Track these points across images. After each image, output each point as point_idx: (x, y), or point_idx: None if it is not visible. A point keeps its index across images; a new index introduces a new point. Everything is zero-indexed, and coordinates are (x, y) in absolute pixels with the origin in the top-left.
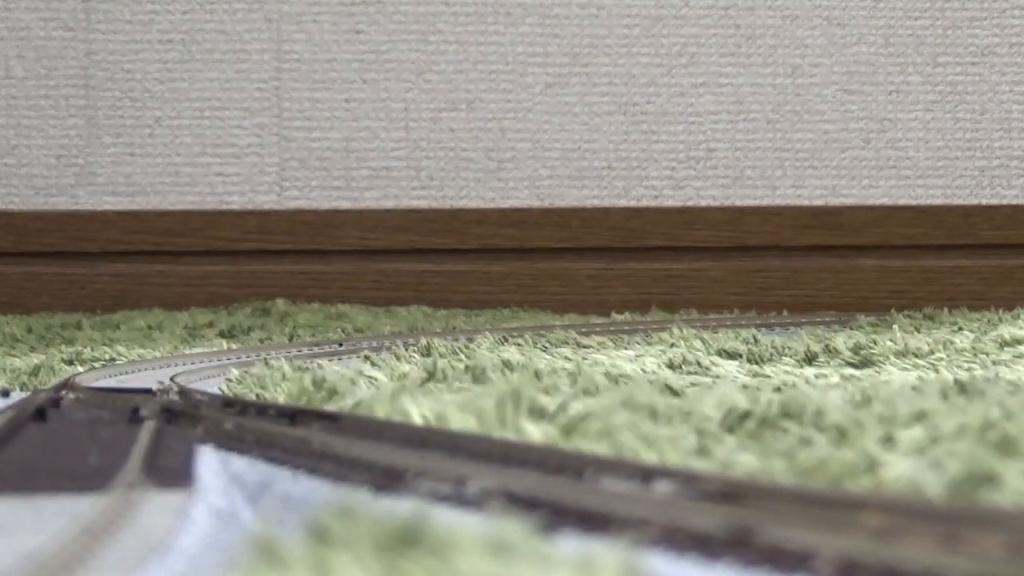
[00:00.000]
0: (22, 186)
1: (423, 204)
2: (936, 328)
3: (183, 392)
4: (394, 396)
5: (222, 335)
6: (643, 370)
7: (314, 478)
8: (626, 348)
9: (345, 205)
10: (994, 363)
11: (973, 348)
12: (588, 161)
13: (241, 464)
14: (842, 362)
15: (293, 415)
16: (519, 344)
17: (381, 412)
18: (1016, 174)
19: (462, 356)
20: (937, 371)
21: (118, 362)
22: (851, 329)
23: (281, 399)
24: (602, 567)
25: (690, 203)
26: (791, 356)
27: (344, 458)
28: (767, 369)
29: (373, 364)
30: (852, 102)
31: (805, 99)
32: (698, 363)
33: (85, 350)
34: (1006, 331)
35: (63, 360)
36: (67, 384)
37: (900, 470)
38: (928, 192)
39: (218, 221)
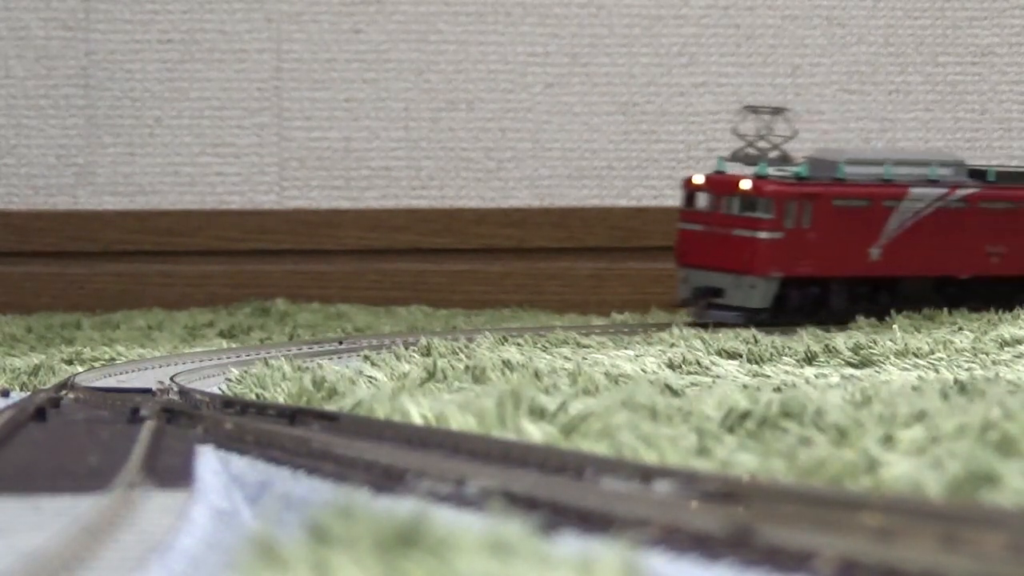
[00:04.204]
0: (22, 186)
1: (423, 204)
2: (936, 328)
3: (183, 392)
4: (394, 396)
5: (222, 335)
6: (643, 370)
7: (314, 478)
8: (626, 348)
9: (345, 205)
10: (994, 363)
11: (973, 348)
12: (588, 161)
13: (241, 464)
14: (842, 362)
15: (293, 415)
16: (519, 344)
17: (381, 412)
18: None
19: (462, 356)
20: (937, 371)
21: (118, 362)
22: (851, 329)
23: (281, 399)
24: (602, 567)
25: None
26: (791, 356)
27: (344, 458)
28: (767, 369)
29: (373, 364)
30: (852, 102)
31: (805, 99)
32: (698, 363)
33: (85, 350)
34: (1006, 331)
35: (63, 360)
36: (67, 384)
37: (900, 470)
38: None
39: (218, 221)
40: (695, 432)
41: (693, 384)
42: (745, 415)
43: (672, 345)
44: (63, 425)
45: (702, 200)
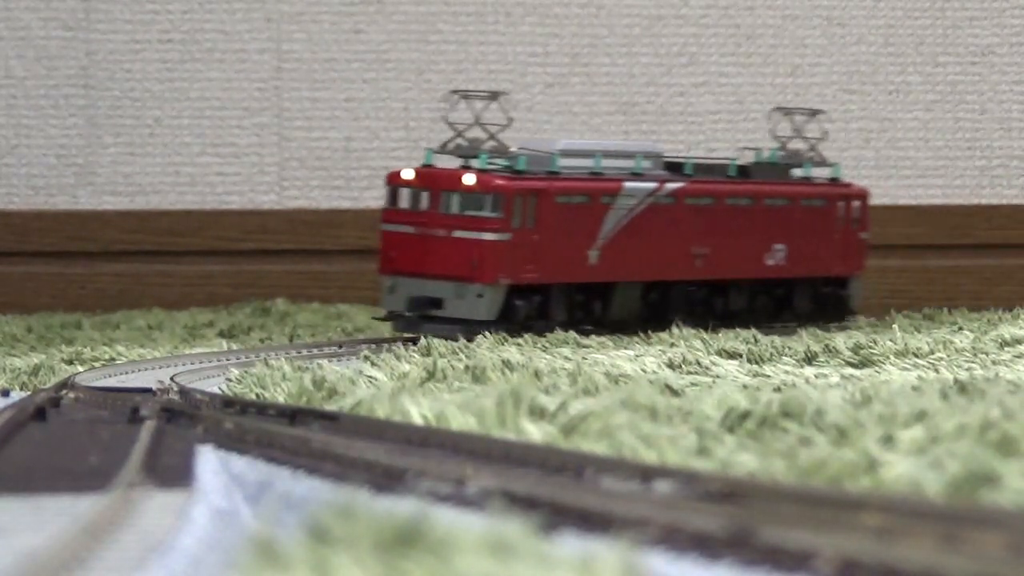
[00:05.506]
0: (22, 186)
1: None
2: (936, 328)
3: (183, 392)
4: (394, 396)
5: (222, 335)
6: (643, 370)
7: (314, 478)
8: (626, 348)
9: (345, 205)
10: (994, 363)
11: (973, 348)
12: None
13: (241, 464)
14: (842, 362)
15: (293, 415)
16: (519, 344)
17: (381, 412)
18: (1016, 174)
19: (462, 356)
20: (937, 371)
21: (118, 362)
22: (851, 329)
23: (281, 399)
24: (602, 567)
25: None
26: (791, 356)
27: (344, 458)
28: (767, 369)
29: (373, 364)
30: (852, 102)
31: (805, 99)
32: (698, 363)
33: (85, 350)
34: (1006, 331)
35: (63, 360)
36: (67, 384)
37: (900, 470)
38: (928, 192)
39: (218, 221)
40: (695, 432)
41: (693, 384)
42: (745, 415)
43: (672, 345)
44: (63, 425)
45: (413, 197)
